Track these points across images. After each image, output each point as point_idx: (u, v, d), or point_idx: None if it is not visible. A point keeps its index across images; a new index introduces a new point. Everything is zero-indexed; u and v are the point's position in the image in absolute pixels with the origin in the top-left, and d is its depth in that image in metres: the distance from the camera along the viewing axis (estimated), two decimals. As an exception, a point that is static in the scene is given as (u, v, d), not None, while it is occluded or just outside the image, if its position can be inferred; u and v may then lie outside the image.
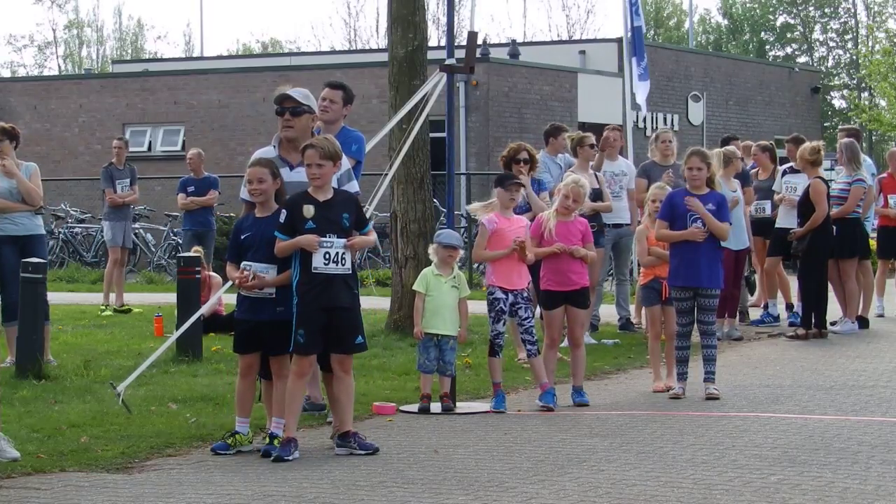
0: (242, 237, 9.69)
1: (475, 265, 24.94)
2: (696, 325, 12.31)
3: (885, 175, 19.00)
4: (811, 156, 16.25)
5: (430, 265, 11.74)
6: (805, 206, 16.12)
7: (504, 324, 11.65)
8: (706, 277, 12.04)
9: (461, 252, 11.80)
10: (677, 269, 12.15)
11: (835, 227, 16.87)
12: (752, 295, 18.38)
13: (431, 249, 11.81)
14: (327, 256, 9.42)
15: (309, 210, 9.44)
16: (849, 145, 17.32)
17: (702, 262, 12.03)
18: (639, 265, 13.93)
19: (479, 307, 17.96)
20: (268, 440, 9.63)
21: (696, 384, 12.35)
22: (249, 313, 9.68)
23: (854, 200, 16.97)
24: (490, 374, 11.75)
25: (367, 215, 11.20)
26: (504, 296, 11.58)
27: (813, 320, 16.24)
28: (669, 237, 12.19)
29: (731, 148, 17.05)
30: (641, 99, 21.33)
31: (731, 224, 12.59)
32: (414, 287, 11.84)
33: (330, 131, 10.69)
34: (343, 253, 9.47)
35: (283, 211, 9.51)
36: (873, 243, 20.73)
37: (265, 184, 9.66)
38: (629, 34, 21.17)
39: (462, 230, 25.74)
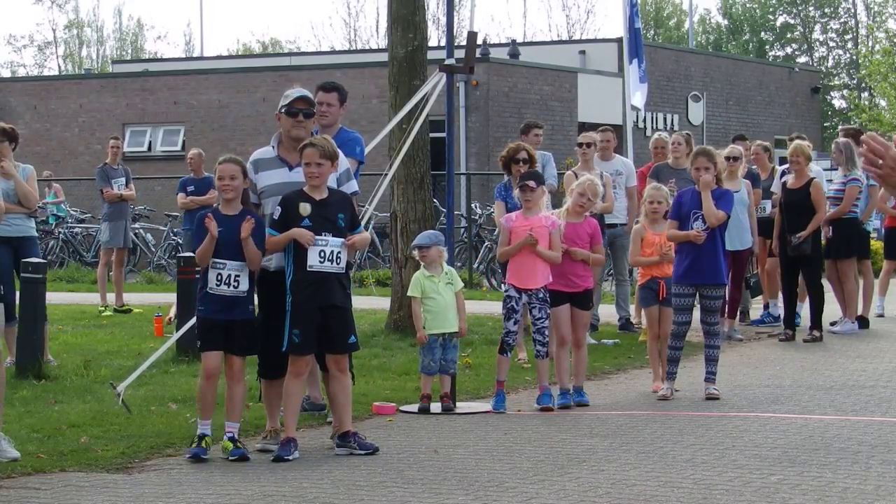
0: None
1: (475, 265, 24.98)
2: (699, 326, 12.34)
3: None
4: (804, 154, 16.13)
5: (430, 267, 11.75)
6: (800, 206, 15.96)
7: (515, 322, 11.64)
8: (710, 274, 12.07)
9: (440, 249, 11.70)
10: (680, 266, 12.19)
11: (831, 228, 16.85)
12: (752, 297, 18.33)
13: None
14: (322, 255, 9.41)
15: (305, 208, 9.43)
16: (847, 144, 17.31)
17: (705, 259, 12.07)
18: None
19: (479, 307, 18.01)
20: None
21: (697, 384, 12.35)
22: (221, 312, 9.52)
23: (850, 200, 16.95)
24: (497, 370, 11.75)
25: (368, 215, 11.23)
26: (517, 294, 11.57)
27: (787, 320, 16.29)
28: (674, 237, 12.25)
29: (735, 147, 17.08)
30: (640, 101, 21.26)
31: (728, 216, 12.60)
32: (409, 293, 11.85)
33: (328, 133, 10.67)
34: (339, 252, 9.46)
35: (278, 207, 9.49)
36: (876, 243, 20.70)
37: (237, 181, 9.62)
38: (628, 34, 21.14)
39: (462, 230, 25.76)
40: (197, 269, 15.10)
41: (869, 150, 5.79)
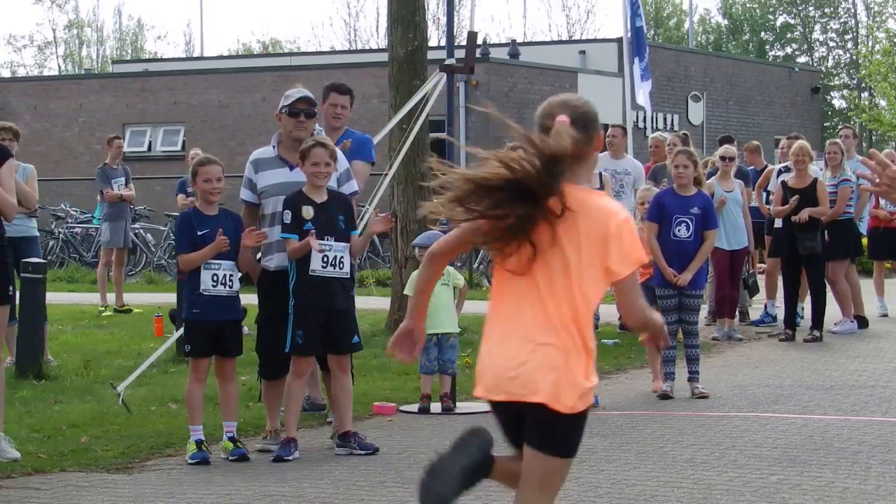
0: (200, 233, 9.44)
1: (475, 265, 24.98)
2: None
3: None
4: (808, 154, 16.15)
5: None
6: (806, 205, 15.94)
7: None
8: (692, 280, 12.12)
9: None
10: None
11: (826, 231, 16.87)
12: (751, 297, 18.33)
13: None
14: (325, 259, 9.40)
15: (308, 211, 9.42)
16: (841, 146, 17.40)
17: (685, 264, 12.08)
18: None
19: (479, 307, 17.98)
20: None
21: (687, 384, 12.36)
22: (216, 313, 9.44)
23: (843, 201, 16.95)
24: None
25: (367, 215, 11.22)
26: None
27: (787, 320, 16.28)
28: (654, 255, 12.18)
29: (730, 148, 17.09)
30: (644, 99, 21.15)
31: (716, 227, 12.67)
32: (405, 292, 11.86)
33: (336, 135, 10.69)
34: (341, 256, 9.46)
35: (287, 211, 9.46)
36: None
37: (222, 182, 9.61)
38: (628, 34, 21.10)
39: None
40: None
41: (868, 168, 5.95)
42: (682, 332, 12.33)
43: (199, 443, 9.45)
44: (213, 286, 9.46)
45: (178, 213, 22.43)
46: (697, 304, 12.36)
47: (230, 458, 9.43)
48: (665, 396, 12.05)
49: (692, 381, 12.19)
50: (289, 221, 9.42)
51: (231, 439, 9.53)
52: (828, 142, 17.94)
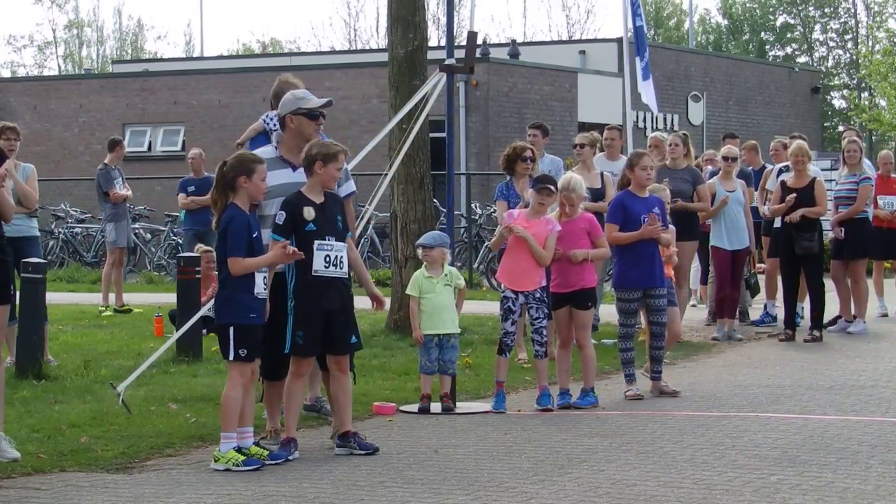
0: (255, 234, 9.29)
1: (475, 265, 24.99)
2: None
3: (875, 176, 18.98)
4: (807, 154, 16.14)
5: (431, 266, 11.74)
6: (805, 205, 15.92)
7: (512, 323, 11.63)
8: (658, 277, 12.15)
9: (444, 251, 11.71)
10: (626, 271, 12.16)
11: (843, 229, 16.87)
12: (752, 297, 18.33)
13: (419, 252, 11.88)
14: (327, 259, 9.41)
15: (310, 212, 9.42)
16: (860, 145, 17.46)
17: (653, 262, 12.10)
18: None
19: (479, 307, 18.00)
20: (237, 456, 9.19)
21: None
22: (263, 317, 9.30)
23: (863, 200, 16.97)
24: (495, 371, 11.76)
25: (368, 215, 11.24)
26: (514, 295, 11.58)
27: (787, 320, 16.28)
28: (625, 239, 12.13)
29: (732, 148, 17.08)
30: (649, 99, 21.00)
31: (672, 227, 12.68)
32: (407, 291, 11.87)
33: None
34: (342, 256, 9.47)
35: (282, 213, 9.44)
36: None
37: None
38: (629, 34, 21.04)
39: (462, 230, 25.75)
40: (197, 268, 15.13)
41: None
42: (650, 334, 12.32)
43: (240, 450, 9.17)
44: (264, 289, 9.31)
45: (179, 212, 22.50)
46: (663, 304, 12.29)
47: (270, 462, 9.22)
48: (637, 398, 12.03)
49: (655, 381, 12.22)
50: (281, 223, 9.38)
51: (255, 444, 9.45)
52: (847, 139, 17.92)
